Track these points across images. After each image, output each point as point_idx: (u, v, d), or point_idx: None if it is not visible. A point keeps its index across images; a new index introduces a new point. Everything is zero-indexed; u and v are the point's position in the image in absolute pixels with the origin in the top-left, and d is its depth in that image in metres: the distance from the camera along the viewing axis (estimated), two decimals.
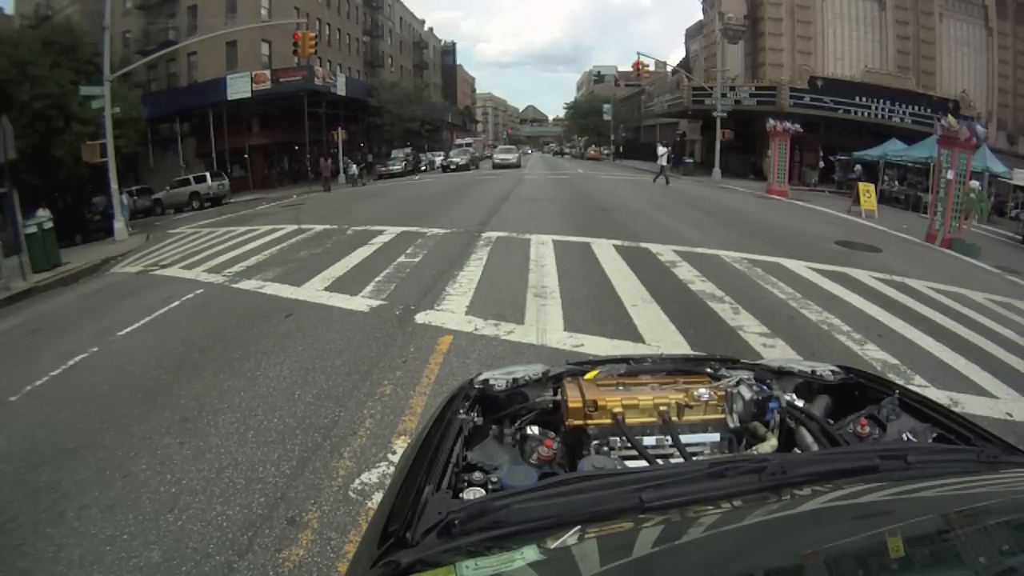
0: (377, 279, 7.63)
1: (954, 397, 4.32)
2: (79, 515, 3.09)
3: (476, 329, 5.60)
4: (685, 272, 7.72)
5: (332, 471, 3.30)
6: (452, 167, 35.97)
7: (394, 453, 3.42)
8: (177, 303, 7.46)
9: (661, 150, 25.09)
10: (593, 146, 59.84)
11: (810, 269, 8.24)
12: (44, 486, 3.43)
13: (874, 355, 5.09)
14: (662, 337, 5.33)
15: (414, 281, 7.47)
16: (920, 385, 4.48)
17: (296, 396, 4.33)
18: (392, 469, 3.15)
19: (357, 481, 3.18)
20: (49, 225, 11.91)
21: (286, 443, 3.64)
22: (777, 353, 4.96)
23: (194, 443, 3.73)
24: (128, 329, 6.55)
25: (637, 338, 5.32)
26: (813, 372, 1.77)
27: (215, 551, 2.72)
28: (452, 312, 6.14)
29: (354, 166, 29.98)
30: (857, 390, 1.74)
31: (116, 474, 3.47)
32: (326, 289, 7.37)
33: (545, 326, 5.65)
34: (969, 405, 4.20)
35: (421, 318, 6.00)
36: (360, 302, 6.69)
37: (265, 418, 4.00)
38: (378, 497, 2.92)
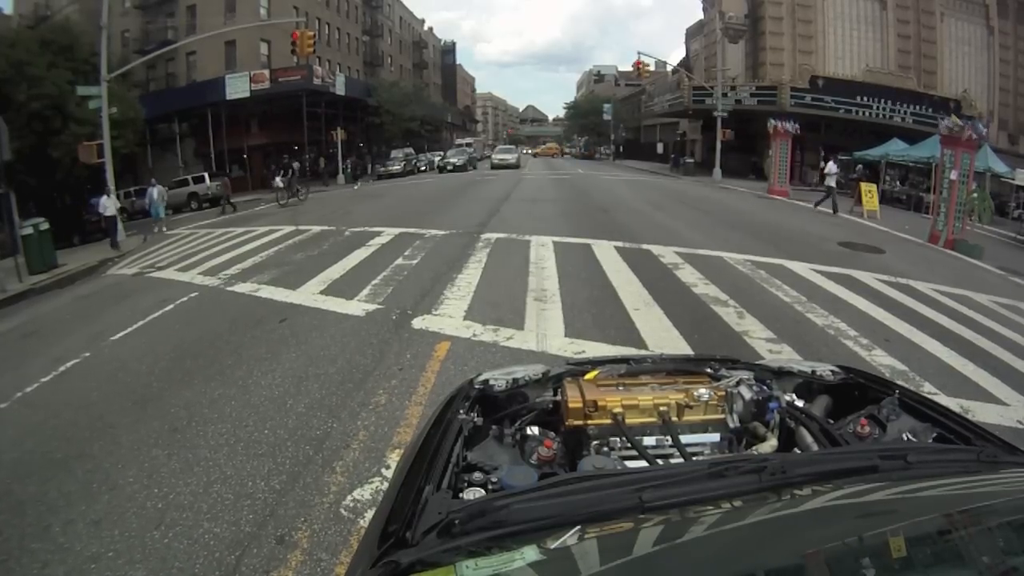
0: (374, 282, 7.52)
1: (964, 404, 4.22)
2: (64, 530, 3.01)
3: (475, 335, 5.49)
4: (688, 275, 7.61)
5: (323, 487, 3.19)
6: (449, 168, 34.34)
7: (388, 468, 3.31)
8: (171, 306, 7.37)
9: (832, 168, 16.86)
10: (555, 143, 58.39)
11: (814, 271, 8.14)
12: (31, 498, 3.35)
13: (882, 361, 4.99)
14: (665, 343, 5.21)
15: (411, 284, 7.36)
16: (930, 392, 4.36)
17: (288, 406, 4.22)
18: (386, 485, 3.04)
19: (349, 498, 3.08)
20: (46, 227, 11.81)
21: (277, 456, 3.54)
22: (784, 359, 4.85)
23: (183, 455, 3.63)
24: (121, 333, 6.46)
25: (640, 344, 5.21)
26: (813, 372, 1.77)
27: (202, 571, 2.62)
28: (450, 317, 6.04)
29: (278, 177, 20.97)
30: (857, 390, 1.73)
31: (103, 487, 3.38)
32: (322, 292, 7.26)
33: (545, 331, 5.55)
34: (980, 412, 4.10)
35: (418, 323, 5.89)
36: (356, 306, 6.58)
37: (256, 429, 3.90)
38: (370, 515, 2.81)
